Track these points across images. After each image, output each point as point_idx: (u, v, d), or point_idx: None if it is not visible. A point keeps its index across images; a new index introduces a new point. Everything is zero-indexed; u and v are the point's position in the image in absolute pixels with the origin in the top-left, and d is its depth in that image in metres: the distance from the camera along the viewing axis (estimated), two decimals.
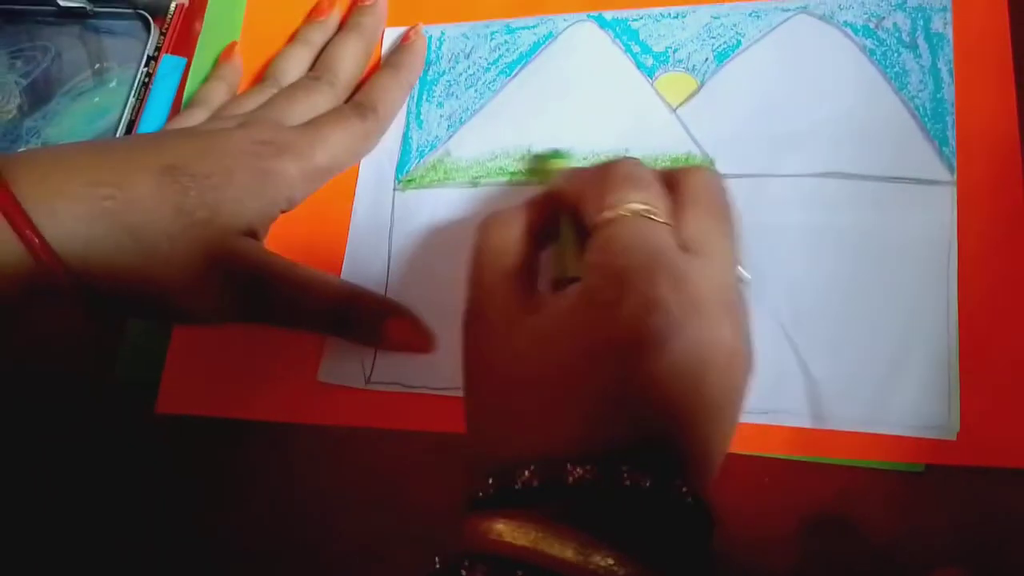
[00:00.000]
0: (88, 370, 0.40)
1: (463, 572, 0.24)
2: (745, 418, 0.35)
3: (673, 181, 0.32)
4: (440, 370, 0.38)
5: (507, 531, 0.25)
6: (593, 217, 0.30)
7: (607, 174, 0.32)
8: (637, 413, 0.27)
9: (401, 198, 0.41)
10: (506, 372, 0.29)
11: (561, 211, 0.33)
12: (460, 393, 0.37)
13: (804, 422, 0.35)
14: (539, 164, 0.41)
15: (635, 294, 0.28)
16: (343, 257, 0.41)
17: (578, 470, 0.25)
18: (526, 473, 0.26)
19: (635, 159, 0.33)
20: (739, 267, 0.32)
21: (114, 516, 0.39)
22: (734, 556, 0.35)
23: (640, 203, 0.30)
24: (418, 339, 0.38)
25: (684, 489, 0.26)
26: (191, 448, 0.40)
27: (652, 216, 0.30)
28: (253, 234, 0.36)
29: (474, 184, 0.41)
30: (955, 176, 0.37)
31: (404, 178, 0.42)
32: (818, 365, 0.36)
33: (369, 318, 0.38)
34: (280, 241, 0.39)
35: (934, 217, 0.36)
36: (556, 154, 0.40)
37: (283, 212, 0.38)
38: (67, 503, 0.40)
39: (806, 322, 0.36)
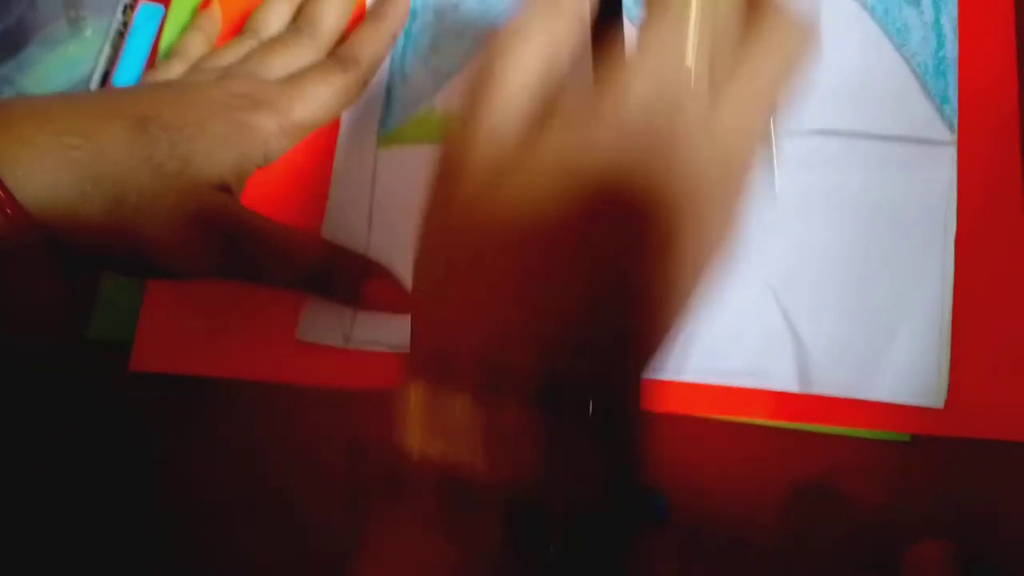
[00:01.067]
0: (59, 327, 0.39)
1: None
2: (732, 380, 0.35)
3: (759, 19, 0.26)
4: None
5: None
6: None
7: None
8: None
9: (384, 155, 0.40)
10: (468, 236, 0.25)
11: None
12: None
13: (791, 386, 0.35)
14: None
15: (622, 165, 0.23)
16: (323, 215, 0.40)
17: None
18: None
19: None
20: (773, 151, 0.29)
21: (86, 475, 0.39)
22: (718, 523, 0.34)
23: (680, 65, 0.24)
24: (398, 300, 0.37)
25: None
26: (165, 407, 0.39)
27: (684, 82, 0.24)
28: (227, 189, 0.35)
29: None
30: (955, 136, 0.36)
31: (387, 134, 0.41)
32: (807, 329, 0.35)
33: (348, 278, 0.37)
34: (258, 198, 0.38)
35: (933, 178, 0.36)
36: None
37: (259, 167, 0.37)
38: (38, 463, 0.39)
39: (796, 285, 0.36)
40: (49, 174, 0.32)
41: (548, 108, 0.26)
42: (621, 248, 0.24)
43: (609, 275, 0.24)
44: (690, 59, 0.25)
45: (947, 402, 0.34)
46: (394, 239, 0.39)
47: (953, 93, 0.36)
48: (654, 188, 0.24)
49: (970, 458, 0.34)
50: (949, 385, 0.34)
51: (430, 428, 0.24)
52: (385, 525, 0.25)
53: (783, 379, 0.35)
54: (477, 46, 0.41)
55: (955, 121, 0.36)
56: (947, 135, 0.36)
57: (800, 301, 0.35)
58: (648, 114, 0.24)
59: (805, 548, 0.34)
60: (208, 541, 0.38)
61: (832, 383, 0.34)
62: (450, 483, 0.24)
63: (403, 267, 0.38)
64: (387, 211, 0.39)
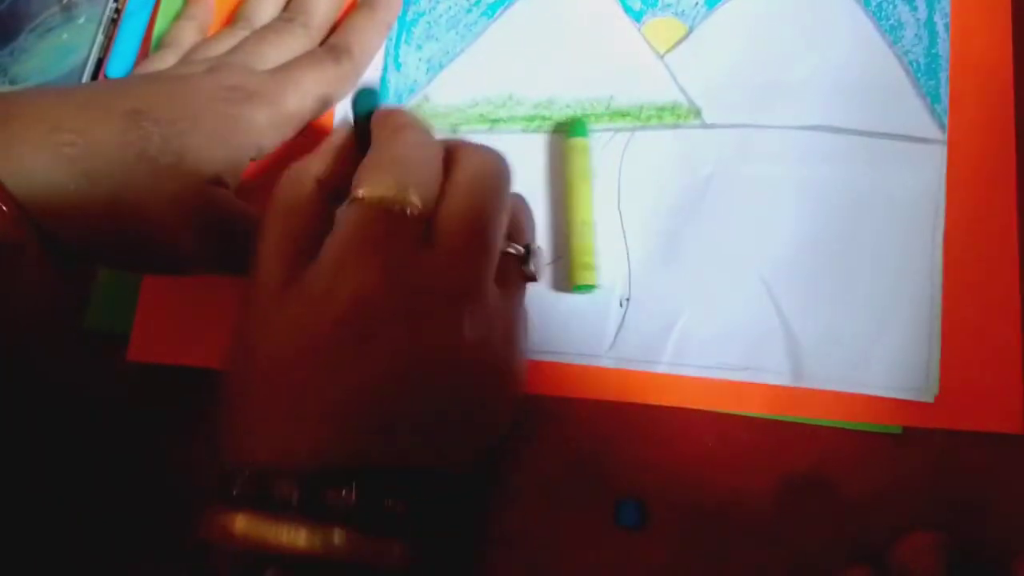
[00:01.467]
0: (56, 321, 0.39)
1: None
2: (725, 375, 0.35)
3: (449, 159, 0.31)
4: None
5: (237, 522, 0.26)
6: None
7: (383, 144, 0.31)
8: (351, 419, 0.28)
9: None
10: (250, 357, 0.29)
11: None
12: None
13: (783, 380, 0.35)
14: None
15: (345, 289, 0.28)
16: None
17: (337, 494, 0.27)
18: (284, 486, 0.26)
19: (423, 129, 0.32)
20: (528, 263, 0.32)
21: (83, 466, 0.39)
22: (708, 514, 0.35)
23: (390, 190, 0.29)
24: None
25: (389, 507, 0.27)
26: (163, 397, 0.39)
27: (396, 206, 0.29)
28: (221, 183, 0.35)
29: (453, 131, 0.40)
30: (946, 135, 0.36)
31: None
32: (799, 323, 0.35)
33: None
34: (253, 191, 0.38)
35: (922, 176, 0.36)
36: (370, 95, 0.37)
37: (253, 160, 0.37)
38: (35, 455, 0.39)
39: (788, 279, 0.36)
40: (43, 170, 0.31)
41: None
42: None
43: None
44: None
45: (938, 395, 0.34)
46: None
47: (944, 91, 0.36)
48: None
49: (960, 450, 0.34)
50: (940, 378, 0.34)
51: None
52: None
53: (776, 373, 0.35)
54: (470, 34, 0.41)
55: (945, 120, 0.36)
56: (937, 133, 0.36)
57: (792, 295, 0.36)
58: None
59: (795, 539, 0.34)
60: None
61: (824, 376, 0.35)
62: None
63: None
64: None
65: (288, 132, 0.38)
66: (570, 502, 0.35)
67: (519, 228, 0.33)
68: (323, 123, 0.40)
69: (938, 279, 0.35)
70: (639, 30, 0.39)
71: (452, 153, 0.32)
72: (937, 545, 0.32)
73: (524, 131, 0.39)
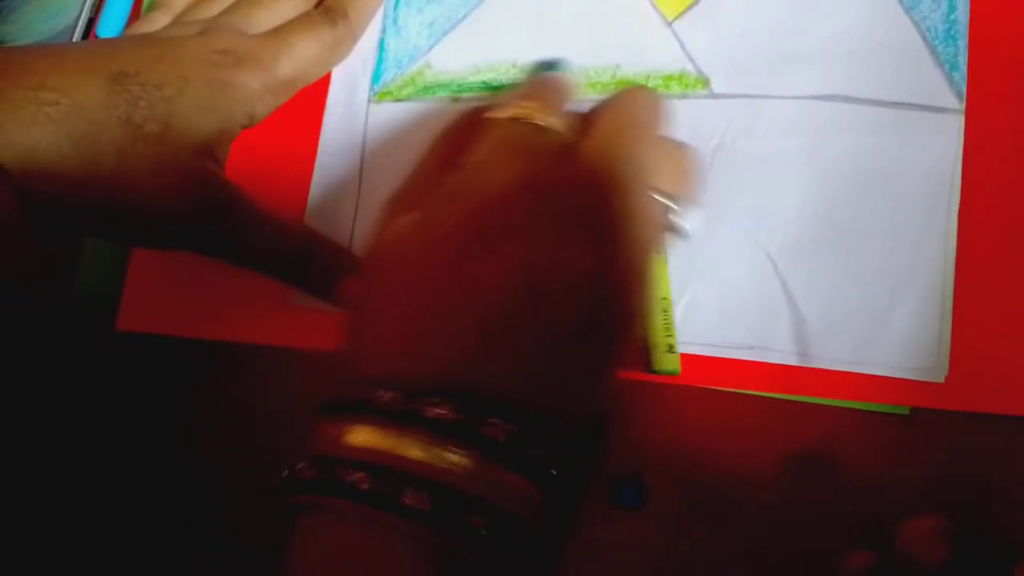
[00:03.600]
0: (43, 288, 0.38)
1: (299, 473, 0.25)
2: (729, 354, 0.35)
3: (600, 103, 0.31)
4: None
5: (360, 435, 0.24)
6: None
7: (526, 82, 0.32)
8: (456, 332, 0.26)
9: (376, 111, 0.39)
10: (376, 264, 0.28)
11: None
12: None
13: (790, 360, 0.34)
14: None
15: (483, 192, 0.27)
16: (312, 175, 0.39)
17: (436, 410, 0.24)
18: (387, 396, 0.25)
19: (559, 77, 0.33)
20: (674, 215, 0.31)
21: (72, 434, 0.39)
22: (713, 492, 0.34)
23: (521, 109, 0.29)
24: None
25: (533, 451, 0.25)
26: (153, 367, 0.39)
27: (530, 119, 0.29)
28: (211, 154, 0.34)
29: (455, 100, 0.39)
30: (963, 104, 0.35)
31: (379, 89, 0.39)
32: (806, 301, 0.35)
33: (325, 272, 0.36)
34: (243, 156, 0.37)
35: (938, 148, 0.35)
36: (551, 65, 0.38)
37: (245, 128, 0.36)
38: (24, 424, 0.39)
39: (796, 255, 0.35)
40: (25, 130, 0.31)
41: None
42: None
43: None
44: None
45: (948, 376, 0.33)
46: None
47: (963, 59, 0.35)
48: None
49: (970, 432, 0.33)
50: (951, 359, 0.34)
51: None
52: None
53: (782, 352, 0.34)
54: None
55: (964, 89, 0.35)
56: (955, 103, 0.35)
57: (800, 271, 0.35)
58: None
59: (798, 520, 0.34)
60: (198, 502, 0.38)
61: (831, 356, 0.34)
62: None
63: None
64: (379, 169, 0.38)
65: (281, 98, 0.37)
66: None
67: (676, 178, 0.31)
68: (318, 89, 0.39)
69: (951, 256, 0.34)
70: None
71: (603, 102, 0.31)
72: (942, 530, 0.32)
73: None
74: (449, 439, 0.24)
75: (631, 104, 0.30)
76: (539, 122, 0.29)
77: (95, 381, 0.39)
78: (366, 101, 0.39)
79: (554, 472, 0.25)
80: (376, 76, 0.40)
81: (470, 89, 0.39)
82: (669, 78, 0.37)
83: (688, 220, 0.31)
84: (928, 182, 0.35)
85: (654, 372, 0.34)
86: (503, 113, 0.30)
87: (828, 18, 0.36)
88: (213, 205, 0.34)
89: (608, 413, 0.27)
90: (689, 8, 0.38)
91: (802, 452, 0.35)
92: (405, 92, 0.39)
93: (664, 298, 0.34)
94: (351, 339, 0.28)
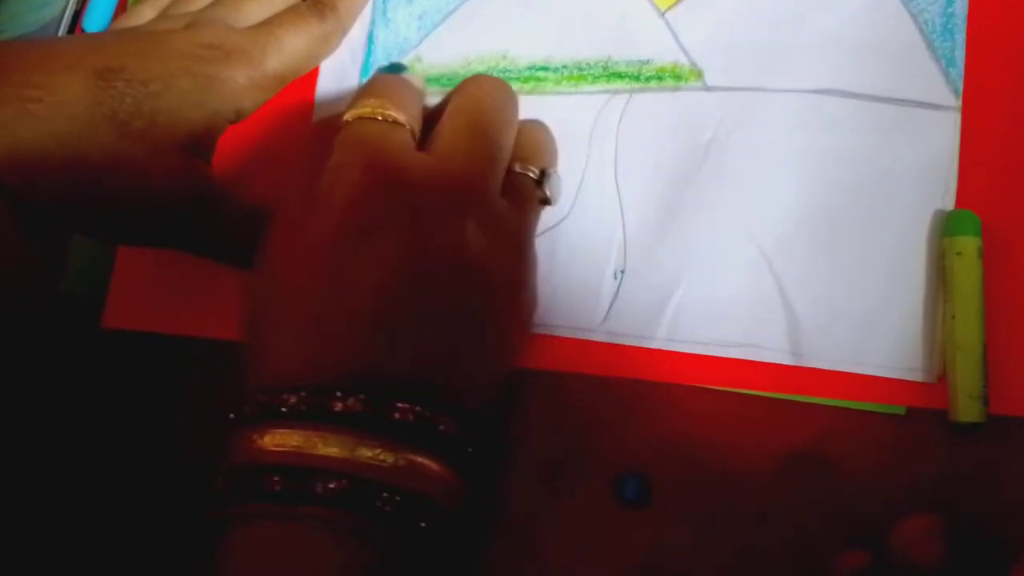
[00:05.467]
0: (28, 286, 0.38)
1: (215, 487, 0.26)
2: (722, 352, 0.34)
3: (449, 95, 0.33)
4: None
5: (271, 440, 0.25)
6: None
7: (368, 82, 0.34)
8: (356, 327, 0.27)
9: None
10: (259, 273, 0.30)
11: None
12: None
13: (783, 359, 0.34)
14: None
15: (342, 188, 0.29)
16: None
17: (343, 404, 0.25)
18: (292, 399, 0.26)
19: (396, 76, 0.35)
20: (543, 186, 0.33)
21: (59, 432, 0.39)
22: (707, 491, 0.34)
23: (368, 108, 0.31)
24: None
25: (443, 428, 0.26)
26: (139, 365, 0.39)
27: (378, 117, 0.30)
28: (197, 150, 0.34)
29: (445, 93, 0.38)
30: (960, 101, 0.34)
31: None
32: (800, 299, 0.34)
33: None
34: (231, 151, 0.37)
35: (934, 144, 0.34)
36: (394, 68, 0.39)
37: (233, 123, 0.36)
38: (9, 422, 0.38)
39: (790, 253, 0.35)
40: (7, 128, 0.30)
41: None
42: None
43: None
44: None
45: (942, 376, 0.33)
46: None
47: (960, 55, 0.34)
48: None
49: (966, 432, 0.33)
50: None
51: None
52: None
53: (775, 351, 0.34)
54: None
55: (960, 85, 0.34)
56: (951, 99, 0.34)
57: (794, 270, 0.34)
58: None
59: (794, 519, 0.34)
60: (184, 499, 0.38)
61: (825, 355, 0.34)
62: None
63: None
64: None
65: (269, 93, 0.36)
66: (566, 478, 0.35)
67: (536, 151, 0.34)
68: (306, 83, 0.39)
69: None
70: None
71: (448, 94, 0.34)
72: (936, 529, 0.32)
73: (519, 93, 0.37)
74: (361, 432, 0.25)
75: (476, 91, 0.32)
76: (385, 118, 0.31)
77: (81, 379, 0.39)
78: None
79: (469, 450, 0.27)
80: (365, 69, 0.39)
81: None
82: (662, 70, 0.37)
83: (553, 188, 0.34)
84: (923, 179, 0.34)
85: (958, 424, 0.32)
86: (351, 114, 0.31)
87: (824, 11, 0.36)
88: (200, 202, 0.33)
89: (505, 391, 0.30)
90: None
91: (797, 451, 0.34)
92: None
93: (973, 346, 0.32)
94: (248, 347, 0.29)
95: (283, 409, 0.25)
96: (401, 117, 0.31)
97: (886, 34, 0.35)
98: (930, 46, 0.35)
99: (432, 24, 0.39)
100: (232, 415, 0.27)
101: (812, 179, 0.35)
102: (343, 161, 0.30)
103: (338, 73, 0.39)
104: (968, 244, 0.32)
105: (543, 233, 0.36)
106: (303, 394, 0.25)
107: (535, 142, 0.34)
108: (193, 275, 0.38)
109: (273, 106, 0.37)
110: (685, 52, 0.37)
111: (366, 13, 0.40)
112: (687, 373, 0.34)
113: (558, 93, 0.37)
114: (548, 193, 0.34)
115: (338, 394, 0.25)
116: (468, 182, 0.29)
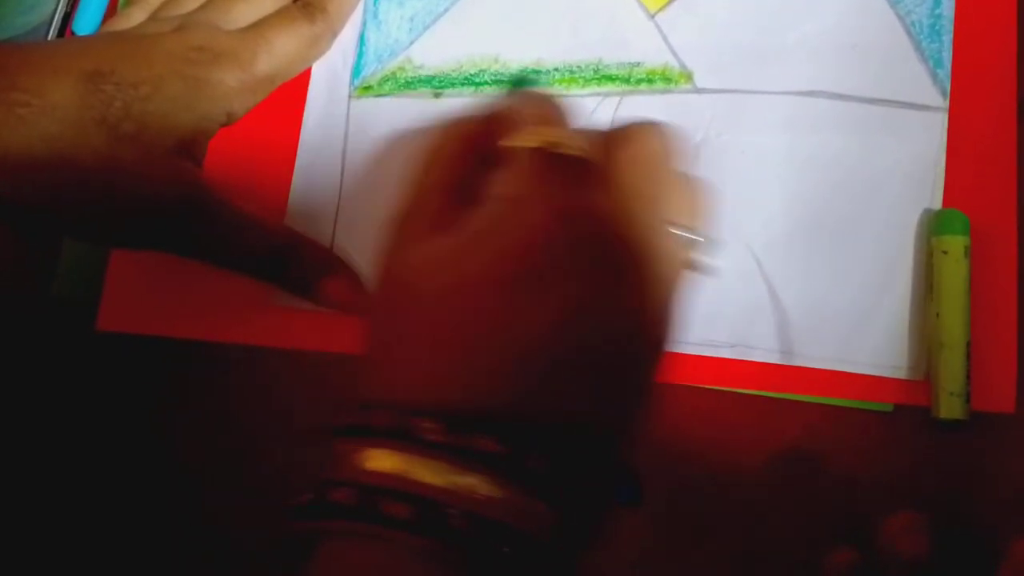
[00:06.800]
0: (19, 288, 0.38)
1: (327, 499, 0.24)
2: (713, 352, 0.34)
3: (621, 133, 0.30)
4: None
5: (374, 458, 0.24)
6: (503, 143, 0.29)
7: (531, 102, 0.30)
8: (508, 368, 0.26)
9: (357, 107, 0.39)
10: (404, 291, 0.28)
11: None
12: None
13: (773, 358, 0.34)
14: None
15: (523, 227, 0.26)
16: (292, 171, 0.38)
17: (484, 440, 0.24)
18: (425, 424, 0.24)
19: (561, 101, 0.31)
20: (697, 251, 0.30)
21: (52, 435, 0.38)
22: (697, 489, 0.34)
23: (547, 137, 0.28)
24: (355, 300, 0.36)
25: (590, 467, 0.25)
26: (134, 367, 0.38)
27: (565, 150, 0.28)
28: (188, 153, 0.34)
29: (436, 95, 0.38)
30: (947, 102, 0.34)
31: (360, 84, 0.39)
32: (790, 299, 0.34)
33: (306, 271, 0.36)
34: (222, 153, 0.37)
35: (922, 145, 0.35)
36: (526, 79, 0.38)
37: (223, 126, 0.36)
38: (2, 425, 0.38)
39: (780, 253, 0.35)
40: None
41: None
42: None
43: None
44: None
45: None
46: (366, 198, 0.38)
47: (947, 56, 0.35)
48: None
49: (948, 428, 0.33)
50: None
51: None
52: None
53: (765, 350, 0.34)
54: None
55: (947, 86, 0.34)
56: (939, 100, 0.35)
57: (783, 269, 0.35)
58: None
59: (782, 516, 0.34)
60: (178, 502, 0.38)
61: (814, 354, 0.34)
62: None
63: (376, 225, 0.36)
64: (360, 167, 0.38)
65: (259, 95, 0.36)
66: None
67: (695, 213, 0.31)
68: (298, 85, 0.39)
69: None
70: None
71: (614, 131, 0.30)
72: (922, 525, 0.32)
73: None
74: (489, 470, 0.24)
75: (649, 138, 0.30)
76: (564, 150, 0.28)
77: (75, 381, 0.39)
78: (347, 97, 0.39)
79: (585, 504, 0.26)
80: (356, 71, 0.39)
81: (451, 84, 0.38)
82: (652, 72, 0.37)
83: (709, 255, 0.31)
84: (911, 179, 0.34)
85: (940, 421, 0.33)
86: (525, 142, 0.28)
87: (813, 13, 0.36)
88: (191, 205, 0.33)
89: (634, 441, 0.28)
90: (672, 1, 0.37)
91: (786, 449, 0.34)
92: (386, 87, 0.39)
93: (957, 344, 0.33)
94: (374, 364, 0.27)
95: (412, 432, 0.24)
96: (580, 153, 0.28)
97: (874, 36, 0.35)
98: (917, 48, 0.35)
99: (423, 26, 0.39)
100: (338, 425, 0.26)
101: (801, 180, 0.35)
102: (524, 193, 0.27)
103: (329, 75, 0.39)
104: (955, 243, 0.33)
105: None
106: (438, 423, 0.24)
107: (696, 203, 0.31)
108: (187, 278, 0.38)
109: (265, 107, 0.37)
110: (675, 54, 0.37)
111: (357, 15, 0.39)
112: (678, 373, 0.35)
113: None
114: (704, 262, 0.30)
115: (478, 432, 0.24)
116: (646, 237, 0.28)
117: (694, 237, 0.30)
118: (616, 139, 0.29)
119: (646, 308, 0.27)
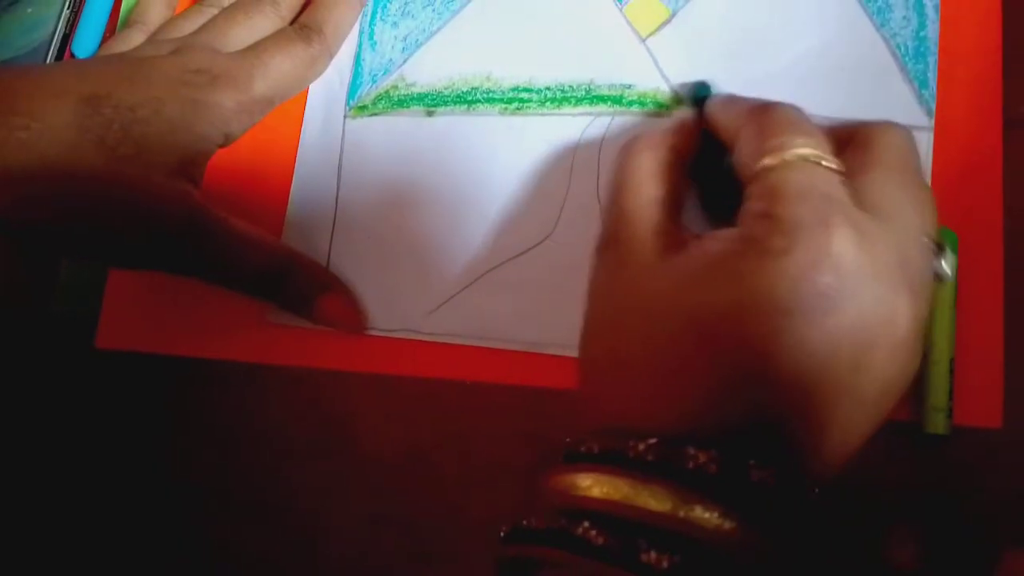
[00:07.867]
0: (18, 307, 0.38)
1: (560, 528, 0.23)
2: None
3: (857, 136, 0.29)
4: (392, 311, 0.37)
5: (596, 485, 0.23)
6: (752, 161, 0.28)
7: (768, 113, 0.29)
8: (779, 387, 0.24)
9: (352, 126, 0.39)
10: (634, 314, 0.27)
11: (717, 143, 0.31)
12: (410, 335, 0.36)
13: None
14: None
15: (809, 246, 0.25)
16: (289, 190, 0.39)
17: (700, 456, 0.23)
18: (641, 447, 0.24)
19: (796, 106, 0.30)
20: (940, 259, 0.28)
21: (51, 451, 0.39)
22: None
23: (808, 148, 0.27)
24: (351, 318, 0.36)
25: (815, 491, 0.24)
26: (132, 384, 0.39)
27: (824, 163, 0.27)
28: (186, 174, 0.34)
29: (429, 114, 0.39)
30: (932, 121, 0.35)
31: (355, 104, 0.39)
32: None
33: (302, 289, 0.36)
34: (221, 173, 0.37)
35: None
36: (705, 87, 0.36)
37: (221, 147, 0.36)
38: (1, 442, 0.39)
39: None
40: None
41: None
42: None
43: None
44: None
45: None
46: (362, 216, 0.38)
47: (933, 76, 0.35)
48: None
49: (941, 444, 0.33)
50: None
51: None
52: None
53: None
54: (447, 11, 0.40)
55: (933, 106, 0.35)
56: (924, 120, 0.35)
57: None
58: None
59: None
60: (176, 518, 0.38)
61: None
62: None
63: (372, 243, 0.37)
64: (356, 185, 0.39)
65: (257, 117, 0.37)
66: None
67: (935, 223, 0.29)
68: (295, 106, 0.39)
69: None
70: (621, 11, 0.38)
71: (854, 129, 0.30)
72: (915, 535, 0.32)
73: (502, 114, 0.38)
74: (697, 495, 0.23)
75: (898, 144, 0.29)
76: (827, 165, 0.27)
77: (74, 398, 0.39)
78: (343, 116, 0.39)
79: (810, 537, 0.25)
80: (352, 91, 0.40)
81: (444, 102, 0.39)
82: (644, 95, 0.37)
83: (951, 264, 0.30)
84: None
85: (925, 434, 0.33)
86: (791, 155, 0.27)
87: (801, 37, 0.36)
88: (189, 227, 0.34)
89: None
90: (663, 25, 0.38)
91: None
92: (380, 106, 0.39)
93: (941, 360, 0.33)
94: (593, 386, 0.27)
95: (629, 455, 0.24)
96: (839, 166, 0.27)
97: (861, 58, 0.36)
98: (903, 68, 0.35)
99: (416, 44, 0.40)
100: (565, 453, 0.25)
101: None
102: (804, 216, 0.26)
103: (326, 95, 0.40)
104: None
105: (524, 254, 0.36)
106: (654, 443, 0.23)
107: (935, 212, 0.29)
108: (185, 296, 0.38)
109: (263, 127, 0.38)
110: (665, 78, 0.37)
111: (353, 35, 0.40)
112: None
113: (541, 115, 0.38)
114: (947, 269, 0.29)
115: (689, 450, 0.23)
116: (908, 253, 0.27)
117: (941, 246, 0.29)
118: (859, 143, 0.28)
119: (911, 336, 0.26)
